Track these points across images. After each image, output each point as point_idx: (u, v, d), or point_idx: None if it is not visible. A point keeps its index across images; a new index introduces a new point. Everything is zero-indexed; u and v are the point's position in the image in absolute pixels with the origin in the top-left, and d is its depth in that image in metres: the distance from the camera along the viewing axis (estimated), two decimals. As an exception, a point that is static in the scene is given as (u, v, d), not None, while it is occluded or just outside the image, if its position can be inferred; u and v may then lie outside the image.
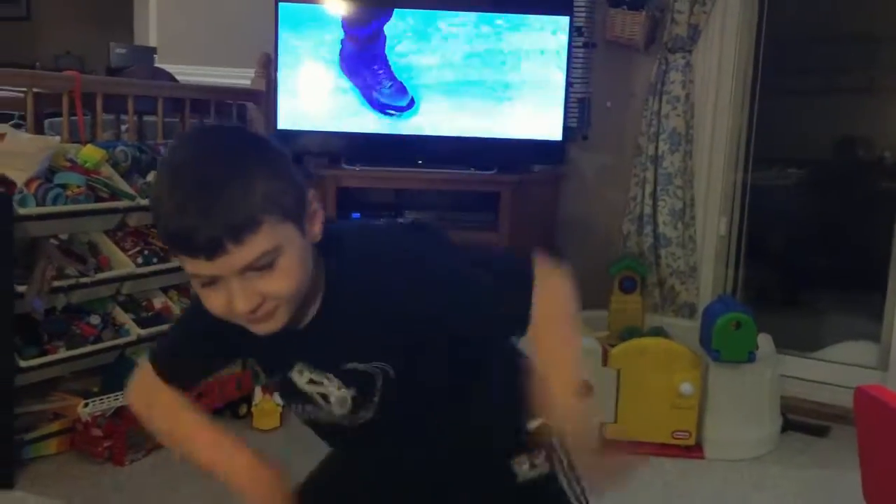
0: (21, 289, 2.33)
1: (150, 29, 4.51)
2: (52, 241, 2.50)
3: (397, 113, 3.33)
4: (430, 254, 1.14)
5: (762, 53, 3.41)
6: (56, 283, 2.42)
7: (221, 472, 1.20)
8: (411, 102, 3.33)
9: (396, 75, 3.31)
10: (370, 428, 1.20)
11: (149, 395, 1.27)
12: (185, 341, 1.27)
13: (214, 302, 1.05)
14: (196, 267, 1.01)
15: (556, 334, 1.13)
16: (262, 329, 1.08)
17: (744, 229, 3.56)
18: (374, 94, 3.32)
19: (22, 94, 2.79)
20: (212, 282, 1.03)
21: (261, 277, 1.02)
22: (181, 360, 1.27)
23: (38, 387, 2.54)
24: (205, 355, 1.27)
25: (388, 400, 1.17)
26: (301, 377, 1.18)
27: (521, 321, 1.12)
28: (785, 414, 3.02)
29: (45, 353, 2.44)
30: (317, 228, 1.09)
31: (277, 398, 2.87)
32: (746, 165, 3.50)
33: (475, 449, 1.23)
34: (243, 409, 2.90)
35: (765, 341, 2.94)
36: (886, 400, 1.23)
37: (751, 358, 2.76)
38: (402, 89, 3.32)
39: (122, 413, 2.56)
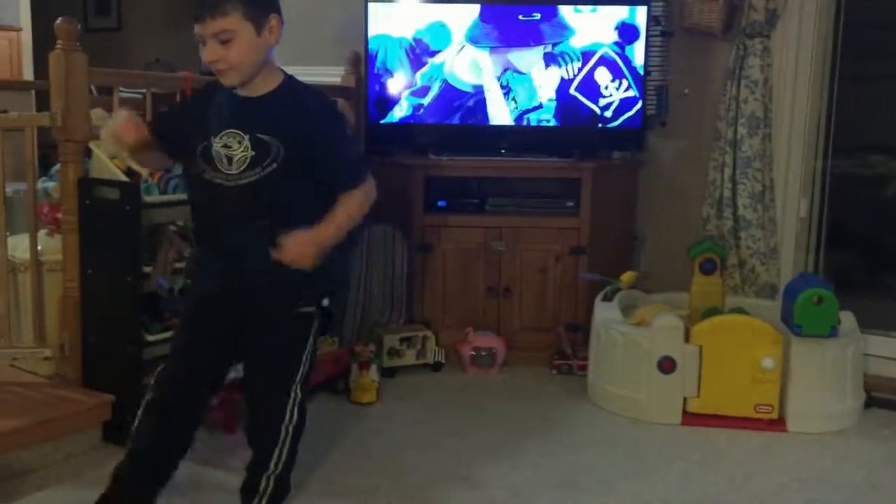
0: (147, 270, 2.56)
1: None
2: (171, 226, 2.72)
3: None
4: (336, 121, 2.03)
5: (841, 38, 3.45)
6: (176, 265, 2.64)
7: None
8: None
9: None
10: (238, 192, 1.91)
11: None
12: (173, 110, 2.25)
13: (203, 54, 1.84)
14: (197, 28, 1.83)
15: (341, 212, 1.92)
16: (224, 80, 1.88)
17: (825, 213, 3.59)
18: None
19: (139, 96, 3.04)
20: (203, 41, 1.84)
21: (222, 46, 1.83)
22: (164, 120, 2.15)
23: (160, 361, 2.77)
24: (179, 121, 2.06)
25: (263, 176, 1.89)
26: (219, 142, 1.91)
27: (333, 194, 1.94)
28: (869, 391, 3.06)
29: (167, 330, 2.67)
30: (272, 39, 1.90)
31: (374, 374, 3.05)
32: (826, 149, 3.54)
33: (267, 247, 1.86)
34: (341, 385, 3.08)
35: (847, 318, 2.99)
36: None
37: (833, 333, 2.82)
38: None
39: (234, 385, 2.77)
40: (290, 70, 3.90)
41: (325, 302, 2.06)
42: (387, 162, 3.64)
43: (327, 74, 3.80)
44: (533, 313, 3.49)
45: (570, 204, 3.45)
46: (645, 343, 2.90)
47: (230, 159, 1.90)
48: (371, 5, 3.47)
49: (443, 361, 3.40)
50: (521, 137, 3.52)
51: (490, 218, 3.49)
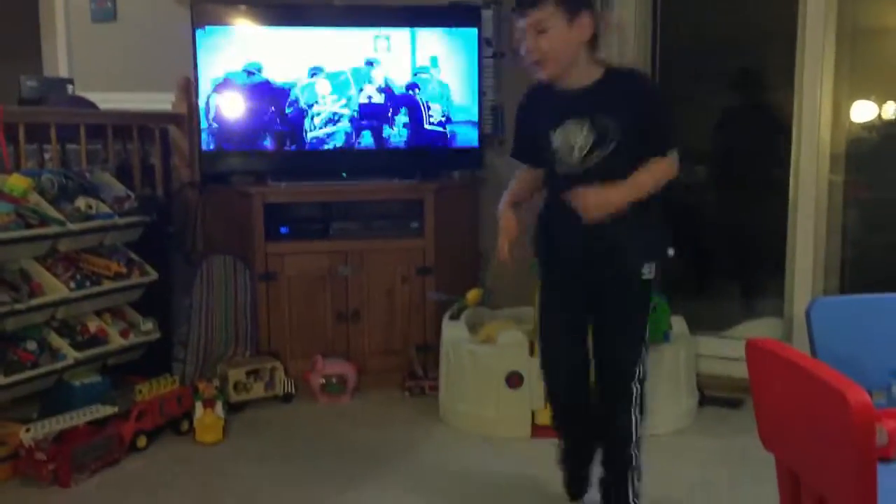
0: (-44, 318, 2.35)
1: (60, 60, 4.51)
2: (-16, 269, 2.52)
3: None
4: (663, 98, 2.27)
5: (659, 58, 3.65)
6: (-7, 311, 2.44)
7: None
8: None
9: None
10: (583, 176, 2.06)
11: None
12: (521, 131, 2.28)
13: (522, 49, 2.06)
14: (518, 22, 2.04)
15: (644, 174, 2.05)
16: (542, 71, 2.07)
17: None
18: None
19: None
20: (522, 35, 2.04)
21: (538, 36, 2.01)
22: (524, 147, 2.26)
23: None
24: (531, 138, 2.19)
25: (605, 155, 2.05)
26: (559, 136, 2.09)
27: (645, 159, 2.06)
28: (701, 390, 3.24)
29: (-18, 380, 2.46)
30: (583, 35, 2.03)
31: (219, 411, 2.93)
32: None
33: None
34: (185, 426, 2.94)
35: (678, 323, 3.15)
36: (771, 348, 1.41)
37: (666, 338, 2.96)
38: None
39: (64, 436, 2.59)
40: (116, 96, 3.78)
41: (647, 270, 2.14)
42: (224, 190, 3.53)
43: (157, 101, 3.66)
44: (382, 336, 3.47)
45: (415, 225, 3.46)
46: (492, 360, 2.94)
47: (572, 148, 2.06)
48: (199, 31, 3.36)
49: (293, 392, 3.32)
50: (362, 160, 3.50)
51: (334, 243, 3.44)
